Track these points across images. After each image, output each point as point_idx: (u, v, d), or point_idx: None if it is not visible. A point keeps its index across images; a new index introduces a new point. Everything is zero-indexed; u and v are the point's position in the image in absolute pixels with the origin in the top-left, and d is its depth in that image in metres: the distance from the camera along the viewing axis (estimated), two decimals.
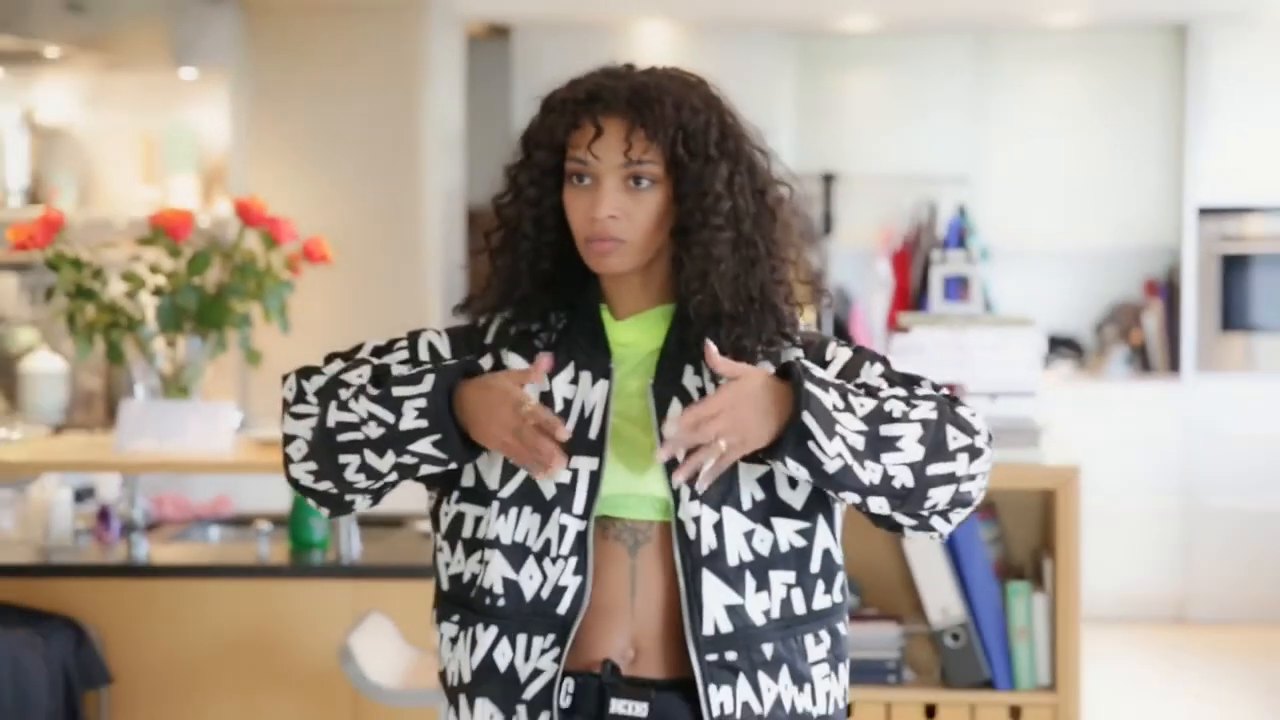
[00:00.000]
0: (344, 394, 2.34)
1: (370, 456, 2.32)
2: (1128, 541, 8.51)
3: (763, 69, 8.83)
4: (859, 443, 2.26)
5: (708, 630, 2.30)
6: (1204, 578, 8.65)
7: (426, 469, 2.34)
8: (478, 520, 2.37)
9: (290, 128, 7.93)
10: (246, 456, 4.41)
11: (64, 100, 7.61)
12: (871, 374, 2.40)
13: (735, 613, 2.31)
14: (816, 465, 2.24)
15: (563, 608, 2.31)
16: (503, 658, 2.34)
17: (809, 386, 2.23)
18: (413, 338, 2.45)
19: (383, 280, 7.82)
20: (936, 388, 2.43)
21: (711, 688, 2.30)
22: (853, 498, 2.30)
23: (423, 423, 2.28)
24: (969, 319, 4.69)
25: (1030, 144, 9.03)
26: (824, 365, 2.40)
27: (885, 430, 2.29)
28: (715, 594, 2.31)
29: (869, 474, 2.27)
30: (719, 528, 2.31)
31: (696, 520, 2.30)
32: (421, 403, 2.28)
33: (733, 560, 2.31)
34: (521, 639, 2.33)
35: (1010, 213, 8.98)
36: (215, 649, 4.35)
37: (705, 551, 2.30)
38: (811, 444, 2.22)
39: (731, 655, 2.31)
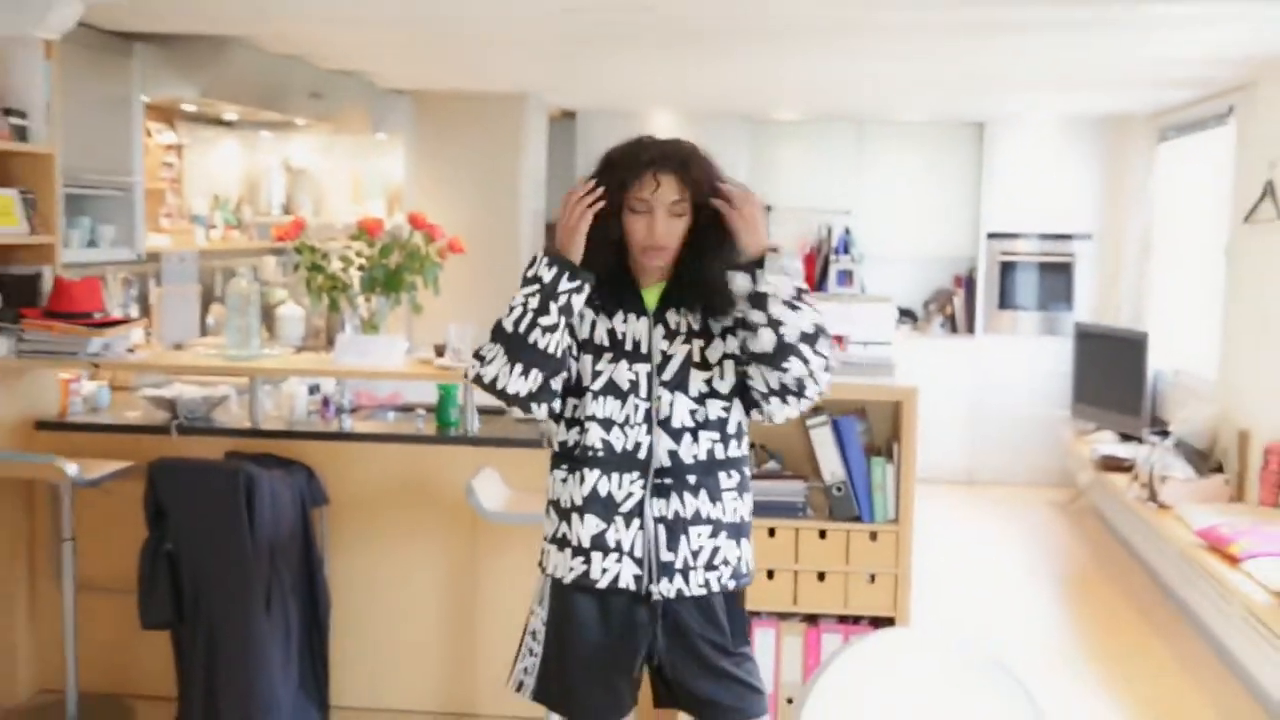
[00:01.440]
0: (503, 316, 2.36)
1: (542, 319, 2.31)
2: (942, 433, 8.46)
3: (727, 141, 8.70)
4: (781, 293, 2.32)
5: (655, 465, 2.36)
6: (984, 455, 8.65)
7: (575, 301, 2.33)
8: (575, 406, 2.40)
9: (441, 171, 7.85)
10: (411, 369, 4.35)
11: (306, 151, 7.53)
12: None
13: (673, 456, 2.36)
14: (759, 282, 2.30)
15: (642, 454, 2.35)
16: (603, 488, 2.36)
17: (770, 252, 2.31)
18: None
19: (493, 267, 7.76)
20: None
21: (654, 499, 2.34)
22: (758, 318, 2.32)
23: (554, 269, 2.30)
24: (852, 297, 4.62)
25: (890, 191, 8.93)
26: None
27: (795, 302, 2.34)
28: (662, 444, 2.36)
29: (775, 310, 2.31)
30: (672, 404, 2.36)
31: (660, 399, 2.36)
32: (545, 260, 2.31)
33: (676, 424, 2.36)
34: (615, 476, 2.36)
35: (877, 232, 8.89)
36: (390, 485, 4.30)
37: (661, 417, 2.37)
38: (760, 270, 2.29)
39: (668, 480, 2.36)
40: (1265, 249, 5.92)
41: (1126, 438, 7.25)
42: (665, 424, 2.36)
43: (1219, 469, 6.10)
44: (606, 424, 2.36)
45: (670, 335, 2.39)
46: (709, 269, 2.33)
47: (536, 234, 8.12)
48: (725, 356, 2.39)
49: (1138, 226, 8.03)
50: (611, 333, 2.39)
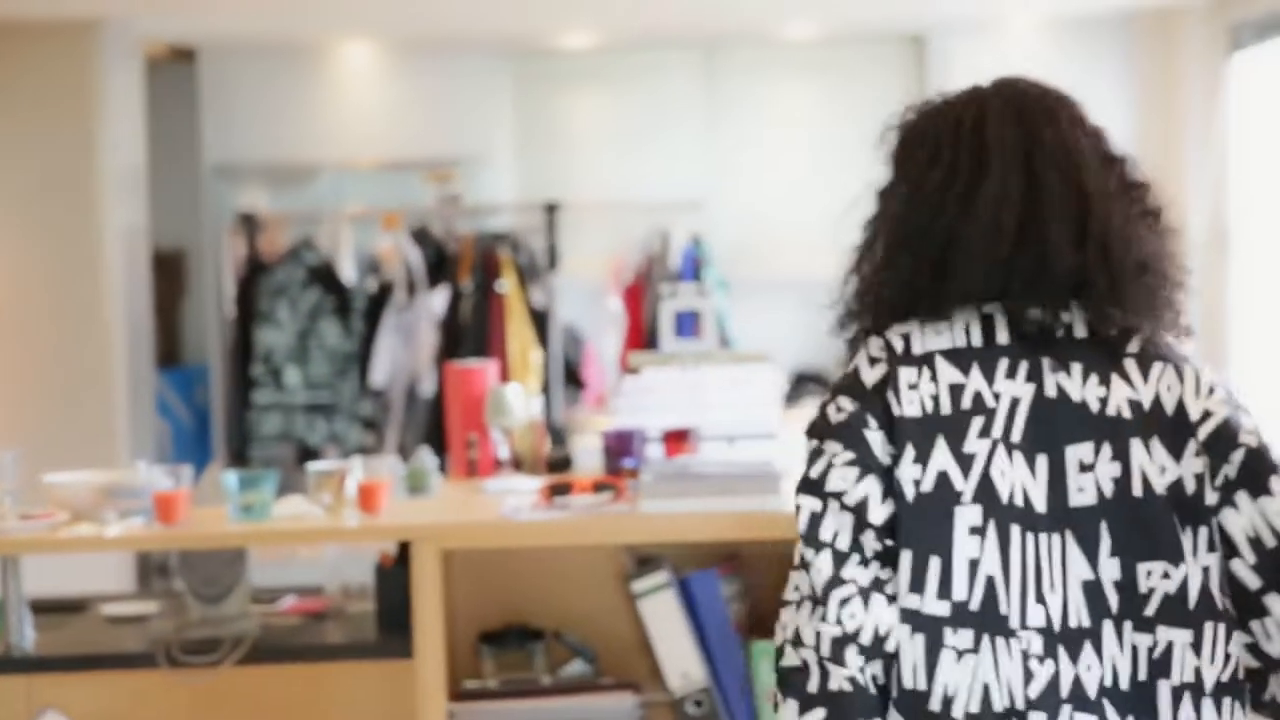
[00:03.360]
0: None
1: None
2: None
3: (477, 91, 8.82)
4: None
5: None
6: None
7: None
8: None
9: None
10: None
11: None
12: None
13: None
14: None
15: None
16: None
17: None
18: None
19: (59, 333, 7.63)
20: None
21: None
22: None
23: None
24: (702, 356, 4.71)
25: (768, 165, 9.12)
26: None
27: None
28: None
29: None
30: None
31: None
32: None
33: None
34: None
35: (749, 240, 9.05)
36: None
37: None
38: None
39: None
40: None
41: None
42: None
43: None
44: None
45: None
46: None
47: (135, 268, 8.03)
48: None
49: (1204, 199, 8.31)
50: None
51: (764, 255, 9.07)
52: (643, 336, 8.56)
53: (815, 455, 2.41)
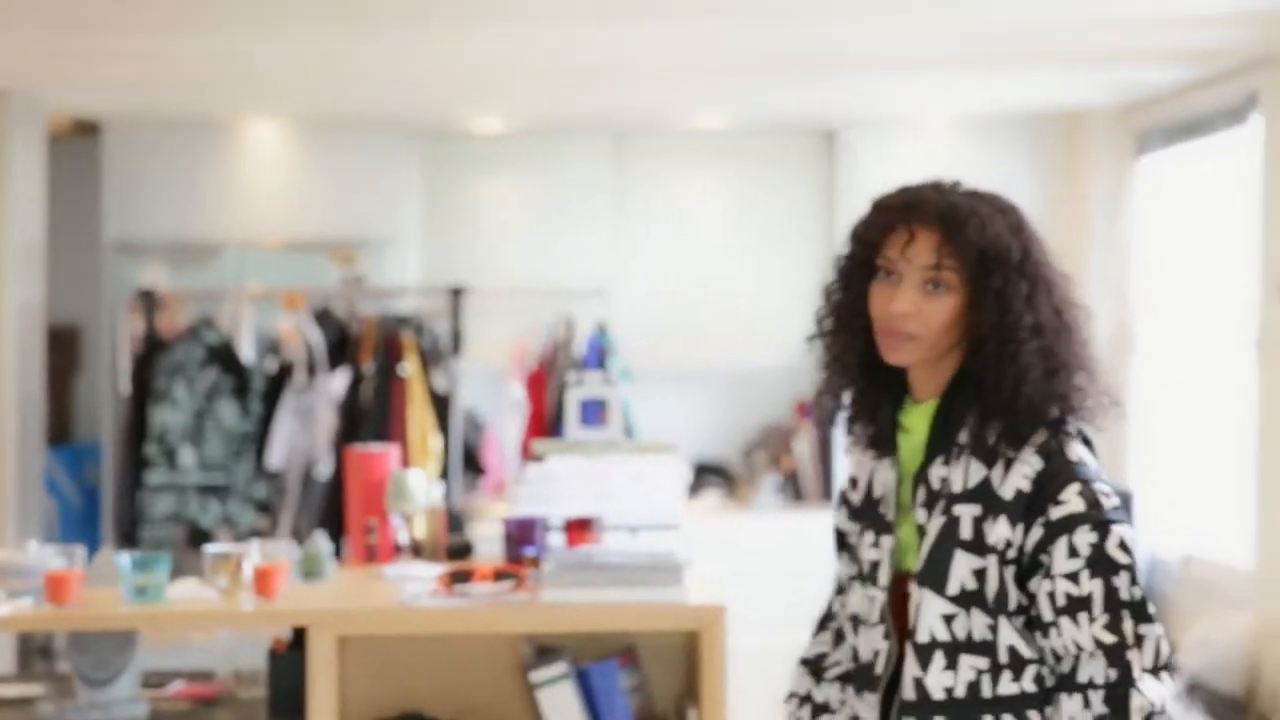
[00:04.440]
0: None
1: None
2: (782, 686, 8.54)
3: (385, 173, 8.82)
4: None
5: (902, 695, 2.78)
6: None
7: None
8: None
9: None
10: None
11: None
12: (1065, 563, 2.67)
13: (919, 686, 2.76)
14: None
15: (879, 669, 2.83)
16: (854, 708, 2.95)
17: None
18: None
19: None
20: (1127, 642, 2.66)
21: None
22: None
23: None
24: (607, 445, 4.73)
25: (674, 254, 9.17)
26: (1043, 503, 2.68)
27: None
28: (910, 667, 2.78)
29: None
30: (919, 607, 2.76)
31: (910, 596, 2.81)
32: None
33: (924, 638, 2.76)
34: (861, 699, 2.90)
35: (653, 328, 9.08)
36: None
37: (909, 626, 2.79)
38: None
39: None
40: None
41: None
42: (911, 636, 2.77)
43: None
44: (854, 622, 2.92)
45: (932, 494, 2.79)
46: (1006, 386, 2.72)
47: (29, 347, 7.97)
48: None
49: (1107, 303, 8.41)
50: (870, 485, 2.94)
51: (667, 345, 9.10)
52: (544, 424, 8.55)
53: (1126, 540, 2.66)
